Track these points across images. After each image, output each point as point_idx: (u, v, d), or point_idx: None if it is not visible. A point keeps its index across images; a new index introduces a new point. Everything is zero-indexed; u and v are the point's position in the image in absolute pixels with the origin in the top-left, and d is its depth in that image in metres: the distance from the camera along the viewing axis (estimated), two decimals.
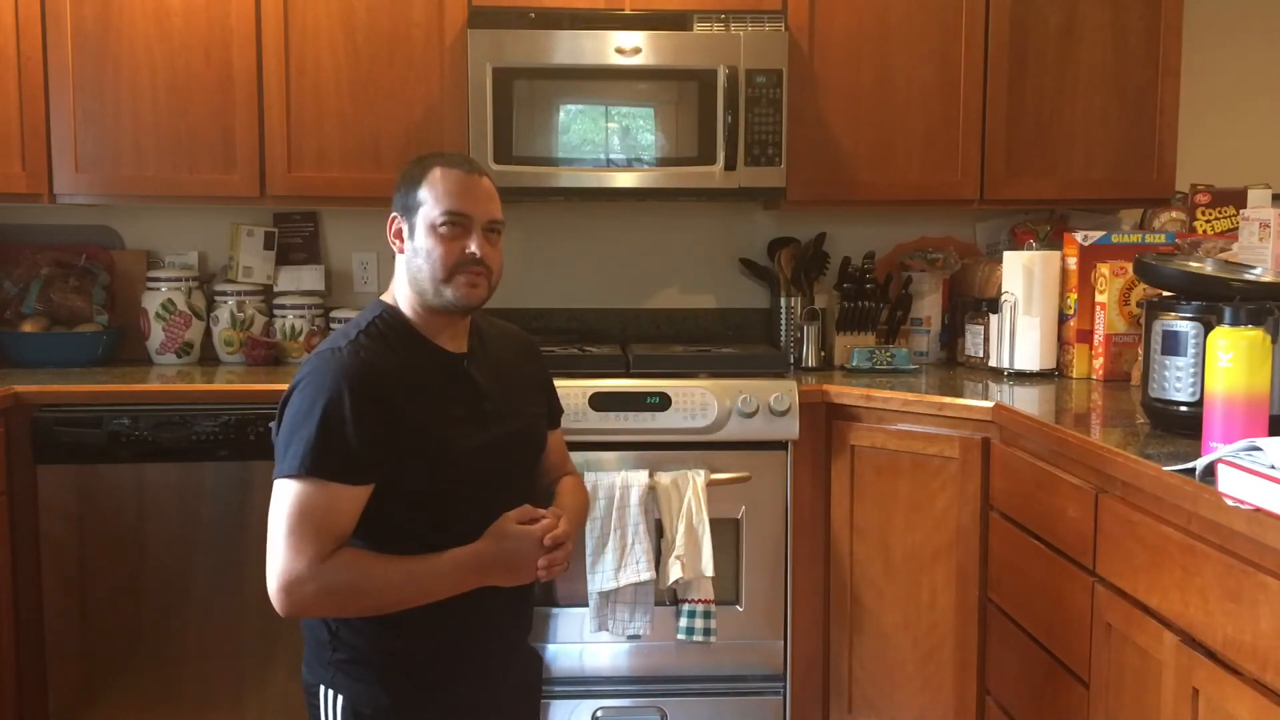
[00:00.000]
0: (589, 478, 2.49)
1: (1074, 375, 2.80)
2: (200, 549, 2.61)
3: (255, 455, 2.54)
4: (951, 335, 3.19)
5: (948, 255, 3.20)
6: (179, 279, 3.08)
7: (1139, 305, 2.64)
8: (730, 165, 2.79)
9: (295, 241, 3.22)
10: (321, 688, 1.81)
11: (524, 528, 1.79)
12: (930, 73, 2.93)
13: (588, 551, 2.53)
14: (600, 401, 2.61)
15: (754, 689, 2.70)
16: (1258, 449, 1.50)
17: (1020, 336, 2.83)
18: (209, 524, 2.61)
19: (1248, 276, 1.96)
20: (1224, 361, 1.67)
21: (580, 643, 2.65)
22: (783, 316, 3.12)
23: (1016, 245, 3.08)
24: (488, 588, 1.78)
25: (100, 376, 2.80)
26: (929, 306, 3.16)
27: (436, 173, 1.82)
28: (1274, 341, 1.71)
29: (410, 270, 1.83)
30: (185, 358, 3.07)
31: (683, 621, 2.60)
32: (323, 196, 2.98)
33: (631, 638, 2.62)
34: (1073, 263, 2.81)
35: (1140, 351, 2.44)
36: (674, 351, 2.94)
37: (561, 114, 2.83)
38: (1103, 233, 2.82)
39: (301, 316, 3.12)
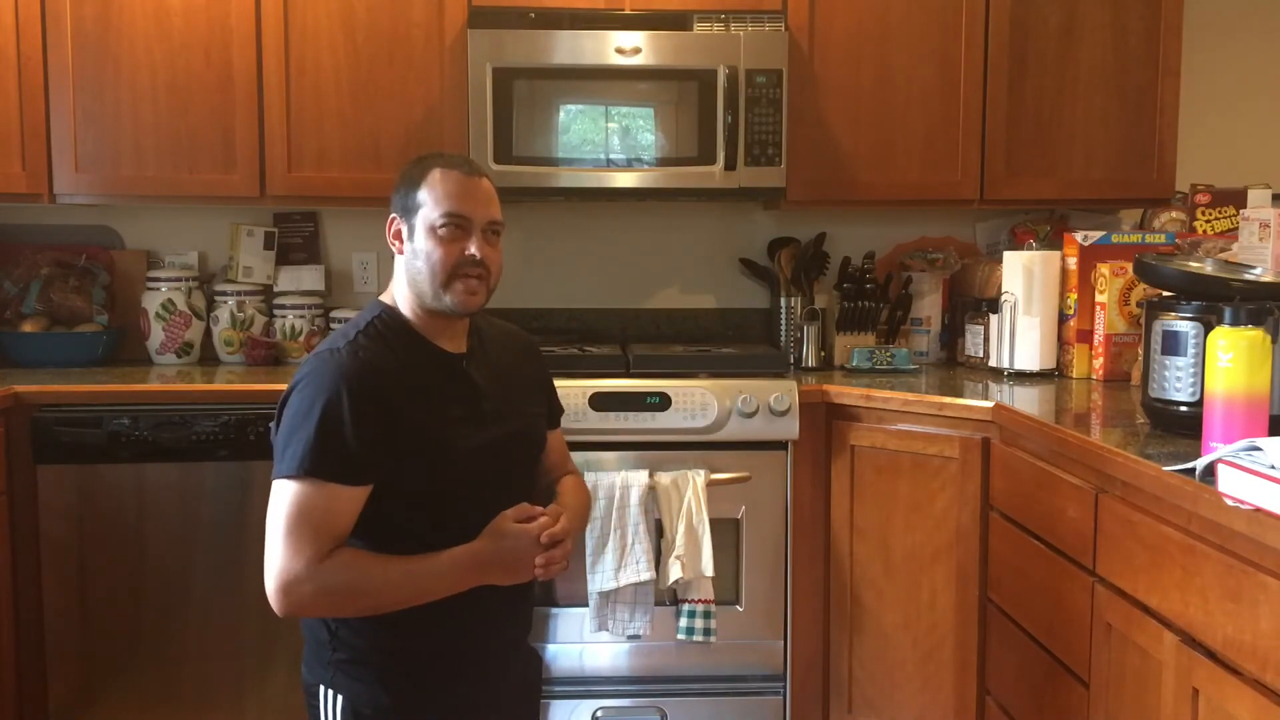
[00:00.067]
0: (589, 478, 2.49)
1: (1074, 375, 2.79)
2: (200, 549, 2.61)
3: (255, 455, 2.54)
4: (951, 335, 3.18)
5: (948, 255, 3.19)
6: (179, 279, 3.08)
7: (1139, 305, 2.63)
8: (730, 165, 2.79)
9: (295, 241, 3.22)
10: (321, 688, 1.81)
11: (521, 526, 1.79)
12: (930, 73, 2.93)
13: (588, 551, 2.53)
14: (600, 401, 2.61)
15: (754, 689, 2.70)
16: (1258, 449, 1.50)
17: (1020, 336, 2.83)
18: (209, 524, 2.61)
19: (1248, 276, 1.96)
20: (1224, 361, 1.67)
21: (580, 643, 2.65)
22: (783, 316, 3.11)
23: (1016, 245, 3.08)
24: (486, 587, 1.78)
25: (100, 376, 2.80)
26: (929, 306, 3.16)
27: (436, 174, 1.82)
28: (1274, 341, 1.71)
29: (409, 271, 1.83)
30: (185, 358, 3.07)
31: (683, 621, 2.60)
32: (323, 196, 2.98)
33: (631, 638, 2.62)
34: (1073, 263, 2.81)
35: (1140, 351, 2.44)
36: (674, 351, 2.94)
37: (561, 114, 2.83)
38: (1103, 233, 2.82)
39: (301, 316, 3.12)
